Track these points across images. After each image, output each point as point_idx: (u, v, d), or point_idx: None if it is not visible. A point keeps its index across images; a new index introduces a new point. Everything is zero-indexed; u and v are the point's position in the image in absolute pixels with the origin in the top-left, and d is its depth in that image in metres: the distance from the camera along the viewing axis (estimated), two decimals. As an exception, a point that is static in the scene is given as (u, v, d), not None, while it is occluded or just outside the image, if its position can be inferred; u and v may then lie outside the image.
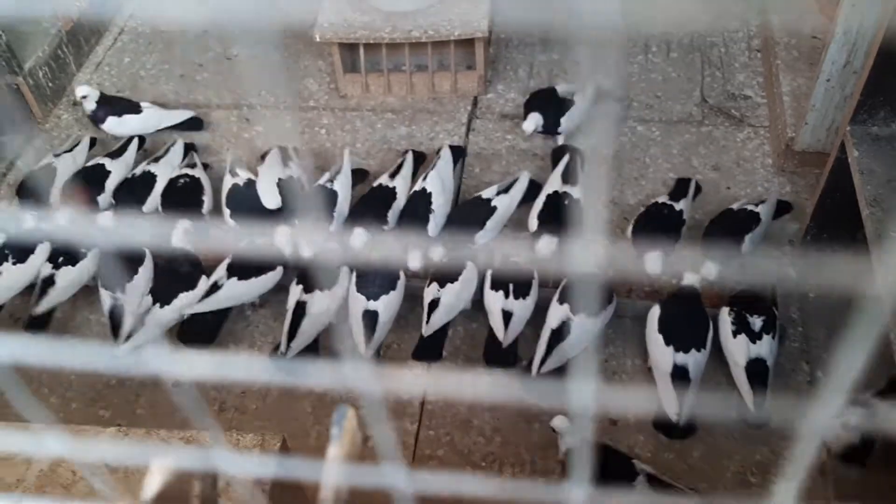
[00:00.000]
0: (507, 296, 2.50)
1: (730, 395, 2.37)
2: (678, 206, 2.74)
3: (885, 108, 2.23)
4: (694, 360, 2.33)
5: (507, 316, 2.48)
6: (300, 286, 2.55)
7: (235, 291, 2.61)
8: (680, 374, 2.32)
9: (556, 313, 2.45)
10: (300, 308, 2.50)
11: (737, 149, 3.14)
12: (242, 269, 2.63)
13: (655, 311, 2.45)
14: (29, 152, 3.28)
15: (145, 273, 2.64)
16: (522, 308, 2.50)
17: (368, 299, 2.51)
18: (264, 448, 1.71)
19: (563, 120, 3.04)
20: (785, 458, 2.29)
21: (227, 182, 2.90)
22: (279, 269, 2.66)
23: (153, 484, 0.62)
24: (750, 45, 3.55)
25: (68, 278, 2.63)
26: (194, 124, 3.31)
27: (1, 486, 1.72)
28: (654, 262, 2.53)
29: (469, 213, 2.81)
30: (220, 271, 2.64)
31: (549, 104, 3.09)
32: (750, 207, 2.70)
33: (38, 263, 2.65)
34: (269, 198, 2.84)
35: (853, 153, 2.24)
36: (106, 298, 2.57)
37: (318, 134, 3.31)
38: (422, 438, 2.40)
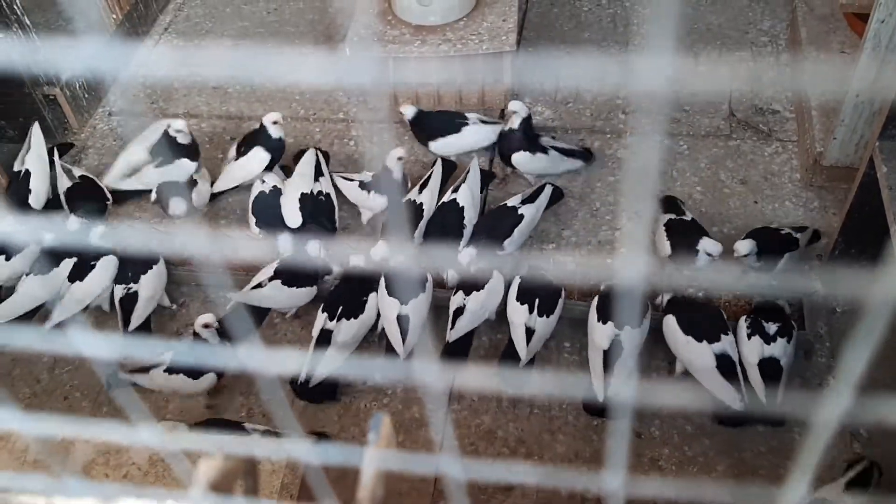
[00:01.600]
0: (531, 311, 2.51)
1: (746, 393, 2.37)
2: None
3: (915, 124, 2.23)
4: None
5: (529, 333, 2.50)
6: (325, 314, 2.56)
7: (279, 294, 2.65)
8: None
9: (603, 333, 2.43)
10: (325, 336, 2.53)
11: (765, 163, 3.14)
12: (288, 275, 2.66)
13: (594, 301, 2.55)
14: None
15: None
16: (545, 326, 2.52)
17: (401, 303, 2.55)
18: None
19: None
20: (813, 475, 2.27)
21: (255, 188, 2.95)
22: (315, 288, 2.70)
23: (202, 471, 0.65)
24: (779, 59, 3.55)
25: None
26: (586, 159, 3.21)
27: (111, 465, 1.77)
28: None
29: (497, 222, 2.83)
30: (267, 272, 2.68)
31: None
32: (791, 232, 2.69)
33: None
34: (292, 216, 2.87)
35: (882, 168, 2.23)
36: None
37: (347, 145, 3.36)
38: (445, 448, 2.42)
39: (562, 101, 3.46)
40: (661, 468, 2.32)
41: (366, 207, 2.99)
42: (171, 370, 2.46)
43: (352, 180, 3.02)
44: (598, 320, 2.45)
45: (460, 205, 2.83)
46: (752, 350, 2.38)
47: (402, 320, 2.51)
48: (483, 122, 3.15)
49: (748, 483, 2.28)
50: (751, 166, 3.13)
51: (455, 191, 2.88)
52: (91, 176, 3.06)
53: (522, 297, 2.54)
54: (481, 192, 2.99)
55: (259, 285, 2.63)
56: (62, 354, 2.68)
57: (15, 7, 3.03)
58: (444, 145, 3.13)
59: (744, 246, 2.55)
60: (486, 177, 3.10)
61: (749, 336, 2.41)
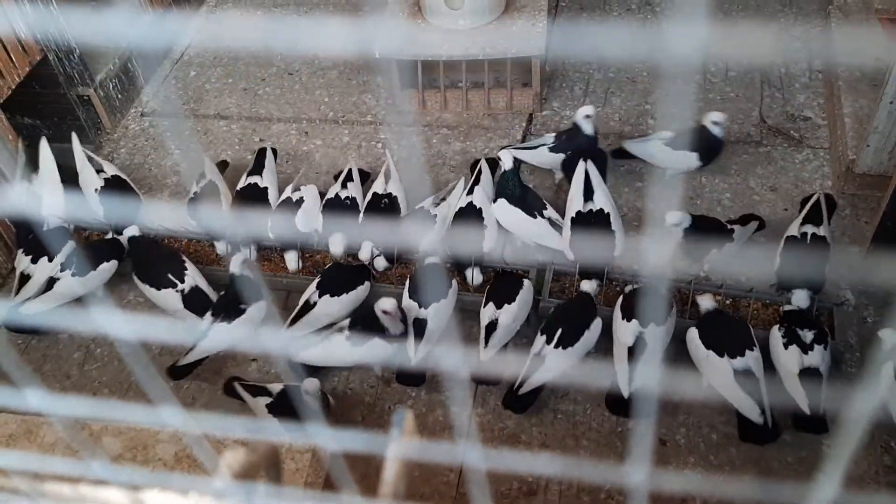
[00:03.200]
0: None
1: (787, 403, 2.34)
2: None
3: (950, 131, 2.19)
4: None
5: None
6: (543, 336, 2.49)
7: (329, 308, 2.63)
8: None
9: (627, 330, 2.42)
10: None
11: (795, 170, 3.10)
12: (333, 285, 2.66)
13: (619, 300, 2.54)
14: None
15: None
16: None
17: (420, 307, 2.55)
18: (316, 455, 1.75)
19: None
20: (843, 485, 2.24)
21: (284, 195, 2.96)
22: (367, 284, 2.69)
23: (226, 461, 0.66)
24: (811, 65, 3.51)
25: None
26: None
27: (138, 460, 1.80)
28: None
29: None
30: (311, 289, 2.67)
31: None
32: (727, 224, 2.71)
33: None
34: (303, 221, 2.87)
35: (916, 175, 2.20)
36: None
37: (375, 148, 3.37)
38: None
39: (591, 105, 3.44)
40: (686, 476, 2.30)
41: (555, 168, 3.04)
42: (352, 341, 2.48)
43: (536, 147, 3.02)
44: (623, 318, 2.44)
45: (477, 206, 2.82)
46: (792, 360, 2.34)
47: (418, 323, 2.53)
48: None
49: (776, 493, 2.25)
50: (781, 173, 3.10)
51: (469, 193, 2.85)
52: (121, 175, 3.09)
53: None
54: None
55: (308, 304, 2.65)
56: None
57: (51, 8, 3.08)
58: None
59: (673, 216, 2.55)
60: (494, 168, 3.06)
61: (786, 346, 2.37)
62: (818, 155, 3.14)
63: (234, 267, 2.62)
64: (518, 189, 2.77)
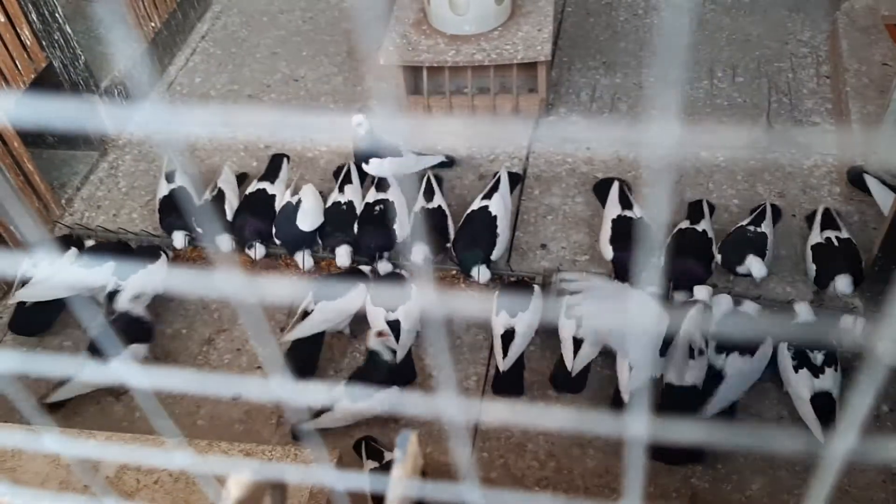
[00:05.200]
0: (580, 325, 2.48)
1: (794, 429, 2.32)
2: (699, 227, 2.74)
3: (960, 137, 2.18)
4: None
5: (577, 343, 2.47)
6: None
7: (327, 313, 2.63)
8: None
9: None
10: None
11: (803, 176, 3.08)
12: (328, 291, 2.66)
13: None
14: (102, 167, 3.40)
15: None
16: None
17: (387, 311, 2.56)
18: (321, 462, 1.73)
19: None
20: (849, 494, 2.22)
21: (284, 199, 2.96)
22: (362, 287, 2.69)
23: (230, 495, 0.64)
24: (818, 70, 3.49)
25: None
26: (447, 164, 3.21)
27: (71, 489, 1.78)
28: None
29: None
30: (308, 299, 2.65)
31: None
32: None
33: None
34: (305, 220, 2.87)
35: (925, 183, 2.18)
36: None
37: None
38: (474, 461, 2.40)
39: (597, 111, 3.44)
40: (694, 486, 2.28)
41: None
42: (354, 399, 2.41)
43: None
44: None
45: (492, 213, 2.81)
46: (802, 384, 2.30)
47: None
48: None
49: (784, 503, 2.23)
50: (788, 179, 3.08)
51: (486, 198, 2.85)
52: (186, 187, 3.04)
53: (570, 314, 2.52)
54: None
55: (306, 313, 2.64)
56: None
57: (57, 16, 3.08)
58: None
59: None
60: (515, 180, 3.08)
61: (796, 369, 2.33)
62: (826, 161, 3.12)
63: (123, 303, 2.59)
64: None
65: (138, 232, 3.06)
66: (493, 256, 2.75)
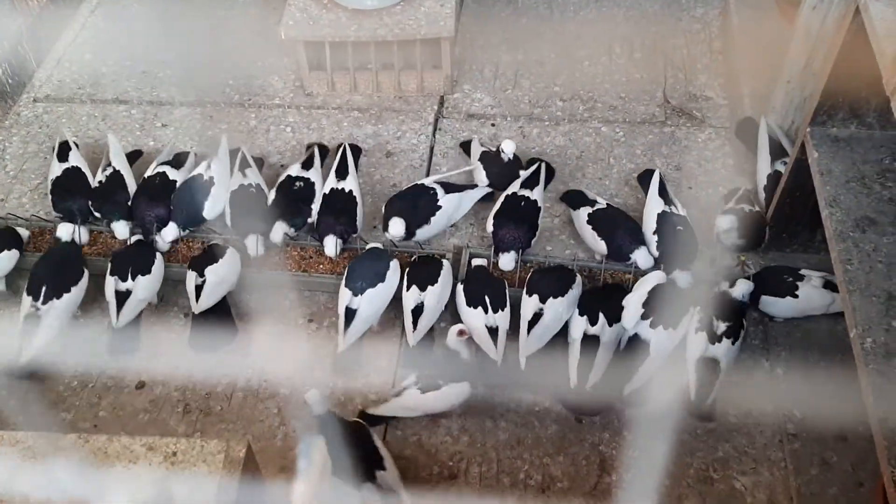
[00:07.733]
0: (486, 311, 2.50)
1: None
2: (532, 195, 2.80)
3: (844, 110, 2.27)
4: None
5: (492, 332, 2.49)
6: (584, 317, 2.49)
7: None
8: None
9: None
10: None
11: (698, 149, 3.19)
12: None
13: None
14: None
15: None
16: (505, 320, 2.51)
17: (354, 295, 2.52)
18: (229, 455, 1.68)
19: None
20: (748, 454, 2.33)
21: (235, 182, 2.86)
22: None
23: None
24: (711, 46, 3.60)
25: None
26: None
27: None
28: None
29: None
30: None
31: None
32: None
33: None
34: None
35: (813, 154, 2.28)
36: None
37: (284, 132, 3.29)
38: (388, 439, 2.40)
39: (500, 88, 3.45)
40: (604, 454, 2.34)
41: None
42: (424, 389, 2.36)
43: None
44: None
45: (348, 190, 2.81)
46: (696, 346, 2.39)
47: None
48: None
49: (687, 467, 2.32)
50: (685, 152, 3.17)
51: (526, 187, 2.82)
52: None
53: (472, 302, 2.54)
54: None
55: None
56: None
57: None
58: None
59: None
60: (357, 153, 3.08)
61: (696, 330, 2.41)
62: (720, 134, 3.23)
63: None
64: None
65: (28, 217, 2.91)
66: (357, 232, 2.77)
